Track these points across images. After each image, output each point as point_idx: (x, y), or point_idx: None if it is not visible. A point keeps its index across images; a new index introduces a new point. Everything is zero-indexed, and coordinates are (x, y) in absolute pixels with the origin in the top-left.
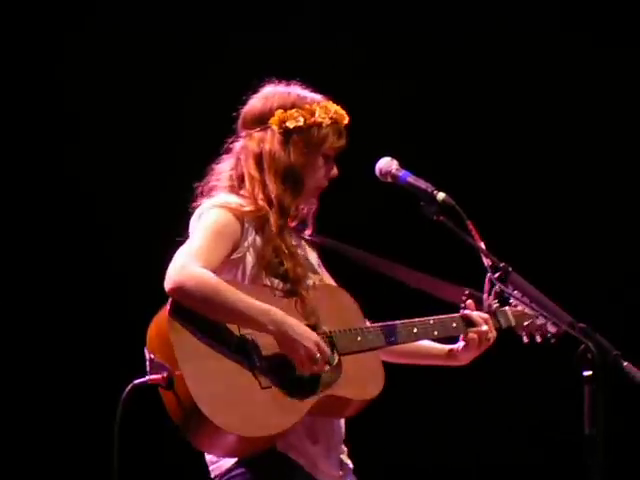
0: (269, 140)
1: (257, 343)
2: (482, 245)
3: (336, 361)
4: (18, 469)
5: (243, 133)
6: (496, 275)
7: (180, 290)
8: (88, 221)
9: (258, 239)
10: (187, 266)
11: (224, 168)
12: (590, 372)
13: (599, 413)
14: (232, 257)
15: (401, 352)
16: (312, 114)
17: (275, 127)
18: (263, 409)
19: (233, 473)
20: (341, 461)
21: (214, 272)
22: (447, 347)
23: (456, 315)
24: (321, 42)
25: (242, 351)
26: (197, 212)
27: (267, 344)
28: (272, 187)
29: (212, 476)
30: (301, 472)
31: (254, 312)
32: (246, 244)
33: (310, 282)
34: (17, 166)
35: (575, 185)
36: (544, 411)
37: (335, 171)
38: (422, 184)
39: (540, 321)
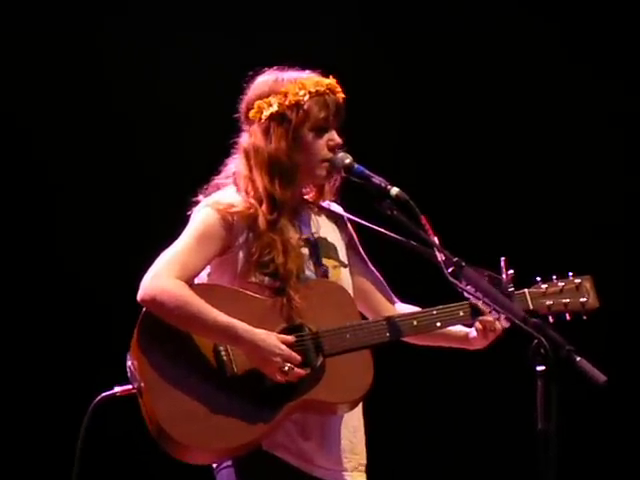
0: (253, 133)
1: (230, 354)
2: (435, 240)
3: (319, 363)
4: None
5: (245, 128)
6: (449, 270)
7: (149, 302)
8: (71, 221)
9: (249, 237)
10: (159, 277)
11: (231, 166)
12: (543, 367)
13: (552, 408)
14: (224, 256)
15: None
16: (286, 95)
17: (256, 119)
18: (228, 421)
19: (223, 465)
20: (343, 455)
21: (193, 277)
22: (465, 330)
23: (465, 303)
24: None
25: (215, 361)
26: (194, 211)
27: (241, 354)
28: (259, 182)
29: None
30: (288, 470)
31: (220, 328)
32: (237, 243)
33: (307, 275)
34: None
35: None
36: (497, 406)
37: (335, 139)
38: (376, 179)
39: (494, 315)
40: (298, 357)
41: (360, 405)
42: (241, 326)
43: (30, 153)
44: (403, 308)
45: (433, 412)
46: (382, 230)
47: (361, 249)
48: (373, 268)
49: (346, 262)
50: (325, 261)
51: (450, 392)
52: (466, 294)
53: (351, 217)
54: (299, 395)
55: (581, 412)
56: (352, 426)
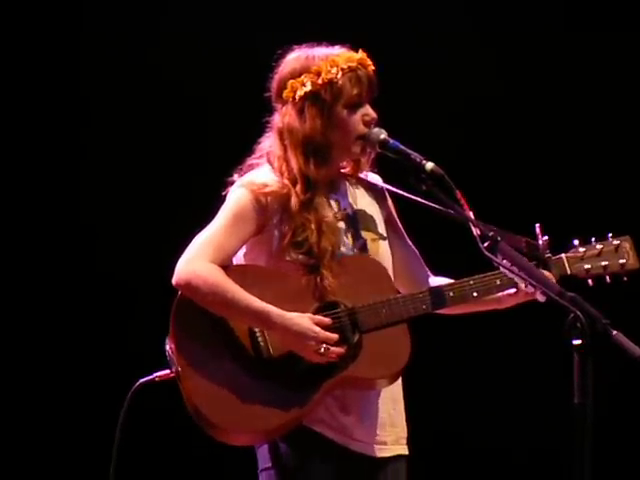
0: (288, 113)
1: (265, 336)
2: (471, 215)
3: (356, 339)
4: (19, 469)
5: (277, 107)
6: (485, 245)
7: (183, 286)
8: (100, 209)
9: (283, 217)
10: (193, 261)
11: (264, 145)
12: (579, 341)
13: (588, 382)
14: (259, 236)
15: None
16: (318, 74)
17: (289, 99)
18: (265, 403)
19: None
20: (382, 428)
21: (228, 259)
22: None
23: (500, 272)
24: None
25: (251, 344)
26: (229, 191)
27: (276, 337)
28: (294, 162)
29: None
30: (328, 445)
31: (253, 313)
32: (271, 223)
33: (343, 251)
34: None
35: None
36: (533, 381)
37: (370, 114)
38: (411, 154)
39: (529, 290)
40: (334, 336)
41: (400, 378)
42: (274, 311)
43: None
44: (438, 281)
45: (469, 386)
46: (421, 201)
47: (399, 222)
48: (410, 242)
49: (385, 234)
50: (364, 234)
51: (486, 365)
52: (502, 269)
53: (390, 188)
54: (337, 373)
55: (619, 386)
56: (392, 399)
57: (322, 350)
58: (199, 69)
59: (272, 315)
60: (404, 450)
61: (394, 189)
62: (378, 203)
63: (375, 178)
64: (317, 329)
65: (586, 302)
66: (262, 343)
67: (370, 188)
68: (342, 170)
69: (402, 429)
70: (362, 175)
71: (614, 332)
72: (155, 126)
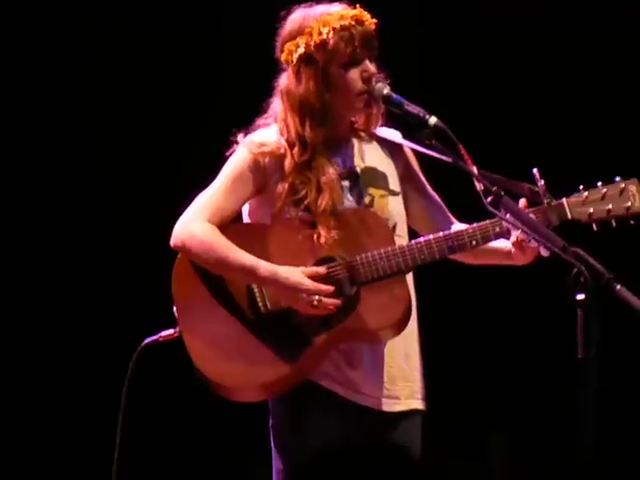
0: (287, 76)
1: (263, 292)
2: (474, 169)
3: (353, 291)
4: (27, 429)
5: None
6: (488, 199)
7: (180, 247)
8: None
9: (281, 176)
10: (189, 221)
11: (273, 105)
12: (583, 296)
13: (592, 337)
14: (260, 196)
15: (467, 253)
16: (311, 35)
17: (288, 62)
18: (262, 356)
19: (270, 401)
20: (394, 382)
21: (227, 218)
22: (508, 247)
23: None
24: None
25: (248, 299)
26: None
27: (273, 293)
28: (291, 123)
29: None
30: (334, 399)
31: (244, 269)
32: (271, 182)
33: (347, 207)
34: None
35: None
36: (536, 335)
37: (368, 70)
38: (414, 108)
39: (533, 244)
40: (328, 288)
41: (415, 332)
42: (264, 266)
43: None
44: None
45: (474, 340)
46: (436, 155)
47: (420, 174)
48: (432, 192)
49: (398, 190)
50: (372, 190)
51: (491, 320)
52: (505, 223)
53: (407, 143)
54: (334, 325)
55: (622, 341)
56: (404, 354)
57: (315, 302)
58: (213, 23)
59: (262, 270)
60: (419, 405)
61: (411, 144)
62: (393, 158)
63: (393, 134)
64: (309, 282)
65: (589, 256)
66: (259, 298)
67: (385, 144)
68: (355, 126)
69: (417, 384)
70: (378, 131)
71: (618, 286)
72: (164, 84)
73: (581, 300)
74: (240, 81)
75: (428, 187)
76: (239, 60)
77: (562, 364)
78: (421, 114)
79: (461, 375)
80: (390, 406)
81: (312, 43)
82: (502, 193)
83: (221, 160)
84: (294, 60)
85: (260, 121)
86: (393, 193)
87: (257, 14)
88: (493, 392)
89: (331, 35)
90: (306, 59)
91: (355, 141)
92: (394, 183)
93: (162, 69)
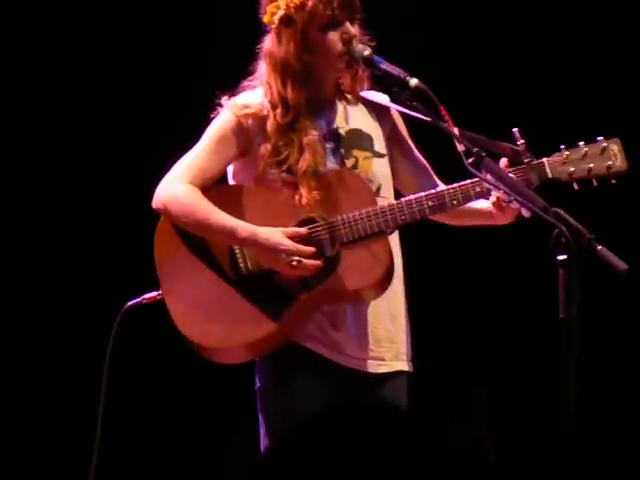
0: (269, 39)
1: (245, 253)
2: (455, 131)
3: (334, 252)
4: (11, 395)
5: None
6: (469, 160)
7: (161, 209)
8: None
9: (264, 138)
10: (170, 183)
11: (258, 68)
12: (564, 256)
13: (574, 297)
14: (244, 158)
15: (450, 214)
16: None
17: (271, 24)
18: (243, 316)
19: (256, 365)
20: (379, 344)
21: (210, 180)
22: (490, 207)
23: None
24: None
25: (230, 260)
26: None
27: (254, 253)
28: (274, 85)
29: None
30: (318, 360)
31: (224, 230)
32: (254, 143)
33: (328, 169)
34: None
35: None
36: (518, 295)
37: (348, 32)
38: (395, 70)
39: (514, 205)
40: (307, 249)
41: (400, 293)
42: (243, 227)
43: None
44: None
45: (456, 299)
46: (424, 117)
47: (407, 137)
48: (418, 155)
49: (383, 152)
50: (356, 152)
51: (473, 279)
52: (487, 184)
53: (394, 106)
54: (315, 286)
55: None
56: (390, 315)
57: (295, 263)
58: None
59: (241, 231)
60: (404, 366)
61: (398, 107)
62: (380, 121)
63: (381, 97)
64: (288, 242)
65: (571, 217)
66: (240, 259)
67: (372, 107)
68: (342, 89)
69: (402, 345)
70: (365, 94)
71: (599, 247)
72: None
73: (562, 260)
74: (228, 43)
75: (415, 150)
76: (228, 22)
77: (544, 323)
78: (402, 75)
79: (443, 333)
80: (375, 367)
81: (292, 4)
82: (483, 154)
83: (205, 123)
84: (275, 22)
85: (246, 83)
86: (378, 155)
87: None
88: (476, 350)
89: None
90: (286, 21)
91: (341, 104)
92: (380, 145)
93: (149, 30)
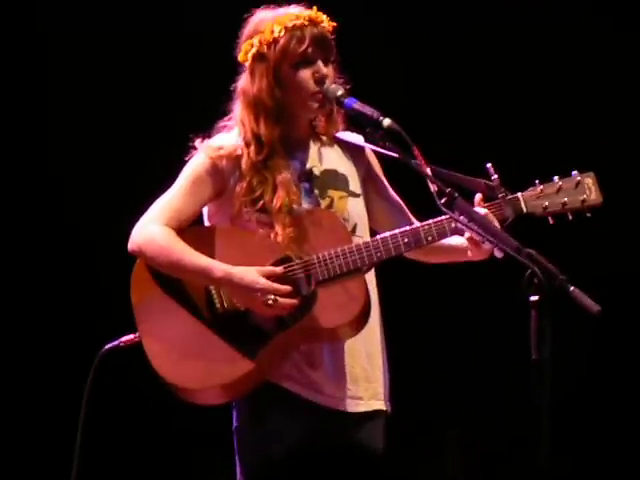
0: (243, 77)
1: (221, 293)
2: (428, 171)
3: (310, 290)
4: None
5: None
6: (442, 201)
7: (137, 251)
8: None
9: (239, 178)
10: (145, 226)
11: (233, 109)
12: (537, 297)
13: (546, 338)
14: (220, 199)
15: (425, 251)
16: (264, 33)
17: (245, 62)
18: (219, 357)
19: (234, 404)
20: (357, 383)
21: (185, 222)
22: (465, 243)
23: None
24: None
25: (206, 300)
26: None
27: (229, 293)
28: (247, 122)
29: None
30: (295, 401)
31: (199, 271)
32: (229, 185)
33: (303, 208)
34: None
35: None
36: (490, 336)
37: (320, 71)
38: (368, 110)
39: (487, 246)
40: (284, 288)
41: (377, 332)
42: (218, 267)
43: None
44: None
45: (428, 342)
46: (397, 157)
47: (382, 176)
48: (393, 194)
49: (358, 192)
50: (331, 192)
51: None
52: (459, 225)
53: (369, 146)
54: (291, 324)
55: (576, 342)
56: (366, 354)
57: (270, 302)
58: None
59: (216, 271)
60: (382, 405)
61: (373, 147)
62: (354, 161)
63: (355, 137)
64: (264, 281)
65: (543, 257)
66: (216, 299)
67: (346, 147)
68: (316, 130)
69: (380, 384)
70: (339, 135)
71: (571, 288)
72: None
73: (535, 301)
74: (203, 85)
75: (389, 189)
76: (203, 66)
77: (517, 364)
78: (375, 116)
79: (416, 374)
80: (353, 407)
81: (264, 41)
82: (456, 194)
83: (180, 165)
84: (249, 59)
85: (221, 124)
86: (353, 194)
87: (221, 16)
88: (448, 391)
89: (282, 33)
90: (259, 57)
91: (315, 145)
92: (355, 185)
93: (125, 74)
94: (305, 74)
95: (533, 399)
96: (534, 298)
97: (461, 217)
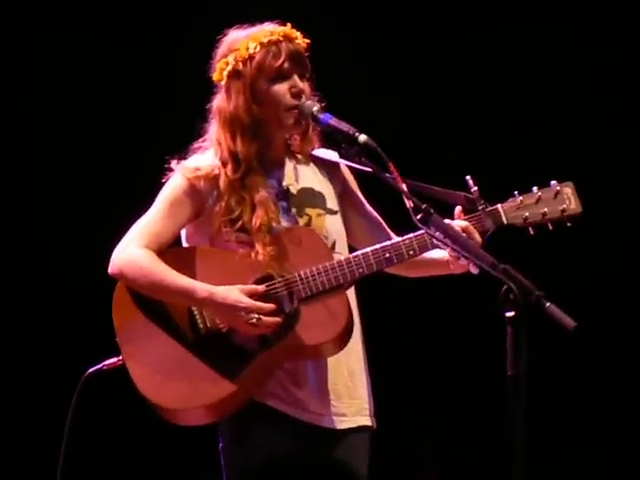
0: (218, 96)
1: (203, 313)
2: (404, 187)
3: (293, 308)
4: None
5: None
6: (418, 217)
7: (117, 274)
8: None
9: (217, 198)
10: (125, 249)
11: (208, 129)
12: (512, 313)
13: (521, 354)
14: (198, 220)
15: (406, 265)
16: (239, 51)
17: (220, 81)
18: (203, 378)
19: (219, 424)
20: (340, 400)
21: (165, 244)
22: (446, 257)
23: None
24: None
25: (188, 321)
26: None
27: (212, 313)
28: (223, 140)
29: None
30: (281, 419)
31: (181, 292)
32: (207, 205)
33: (282, 226)
34: None
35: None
36: (466, 352)
37: (296, 86)
38: (344, 126)
39: (463, 261)
40: (266, 306)
41: (358, 349)
42: (200, 288)
43: None
44: None
45: (404, 359)
46: (373, 172)
47: (358, 192)
48: (370, 209)
49: (335, 209)
50: (308, 210)
51: (422, 335)
52: (435, 241)
53: (345, 162)
54: (274, 343)
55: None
56: (348, 371)
57: (254, 320)
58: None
59: (198, 291)
60: (367, 421)
61: (349, 163)
62: (330, 178)
63: (330, 154)
64: (246, 300)
65: (519, 273)
66: (199, 319)
67: (322, 164)
68: (292, 149)
69: (364, 401)
70: (315, 152)
71: (547, 304)
72: (102, 110)
73: (510, 317)
74: (178, 107)
75: (366, 205)
76: (178, 88)
77: (492, 380)
78: (351, 132)
79: (391, 391)
80: (337, 423)
81: (240, 58)
82: (431, 210)
83: (157, 188)
84: (224, 77)
85: (196, 145)
86: (331, 212)
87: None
88: (424, 408)
89: (258, 49)
90: (234, 74)
91: (291, 163)
92: (332, 202)
93: (103, 93)
94: (282, 88)
95: (508, 415)
96: (510, 314)
97: (437, 233)
